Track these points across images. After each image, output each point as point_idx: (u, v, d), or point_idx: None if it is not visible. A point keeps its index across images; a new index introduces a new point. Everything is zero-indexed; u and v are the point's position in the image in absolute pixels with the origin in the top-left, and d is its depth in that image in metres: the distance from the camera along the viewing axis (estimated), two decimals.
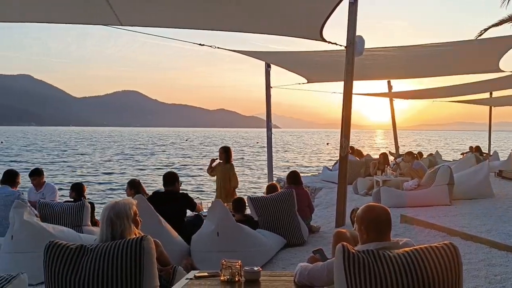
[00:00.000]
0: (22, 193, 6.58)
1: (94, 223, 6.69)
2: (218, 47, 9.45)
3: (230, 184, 8.12)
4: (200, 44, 8.98)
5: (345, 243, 2.47)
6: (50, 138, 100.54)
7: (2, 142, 74.69)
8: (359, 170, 12.74)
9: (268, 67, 11.59)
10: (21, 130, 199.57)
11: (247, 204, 6.18)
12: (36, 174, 7.55)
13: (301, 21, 6.87)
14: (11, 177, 6.55)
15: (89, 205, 6.48)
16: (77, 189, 6.99)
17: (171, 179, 5.91)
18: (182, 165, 35.91)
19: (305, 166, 34.94)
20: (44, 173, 7.79)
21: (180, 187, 6.09)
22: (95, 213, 6.90)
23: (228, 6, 6.24)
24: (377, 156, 13.68)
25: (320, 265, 2.79)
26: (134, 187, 6.62)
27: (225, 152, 8.32)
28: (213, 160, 8.43)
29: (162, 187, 6.08)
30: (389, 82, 16.59)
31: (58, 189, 8.31)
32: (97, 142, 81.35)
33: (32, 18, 6.62)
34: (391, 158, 14.79)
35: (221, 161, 8.30)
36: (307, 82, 12.90)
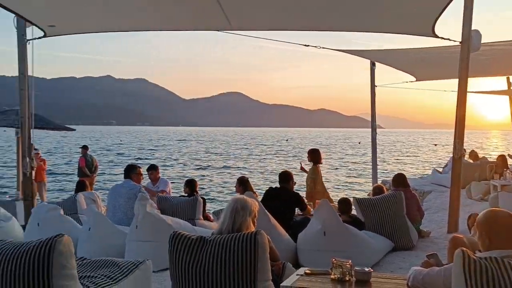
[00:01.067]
0: (142, 187, 7.20)
1: (205, 217, 7.11)
2: (323, 47, 9.47)
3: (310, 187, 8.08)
4: (305, 45, 9.07)
5: (464, 248, 2.37)
6: (166, 137, 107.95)
7: (121, 141, 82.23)
8: (473, 174, 11.86)
9: (373, 65, 11.32)
10: (138, 130, 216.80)
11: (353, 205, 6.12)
12: (153, 169, 8.24)
13: (413, 18, 6.61)
14: (132, 171, 7.17)
15: (202, 200, 6.91)
16: (191, 185, 7.50)
17: (285, 177, 6.08)
18: (285, 167, 36.40)
19: (411, 168, 33.36)
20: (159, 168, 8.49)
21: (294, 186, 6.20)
22: (206, 208, 7.34)
23: (337, 5, 6.23)
24: (494, 159, 12.64)
25: (436, 270, 2.70)
26: (243, 184, 6.94)
27: (309, 154, 8.26)
28: (302, 163, 8.53)
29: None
30: (508, 79, 15.21)
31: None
32: (206, 141, 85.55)
33: (151, 27, 7.22)
34: (510, 161, 13.54)
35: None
36: (416, 80, 12.34)
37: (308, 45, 9.10)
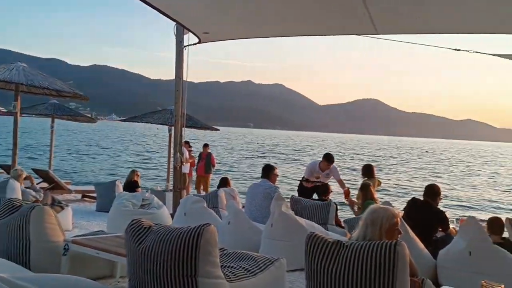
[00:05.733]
0: (278, 188, 7.38)
1: (337, 223, 7.05)
2: (477, 52, 8.67)
3: None
4: (455, 50, 8.41)
5: None
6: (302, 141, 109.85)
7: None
8: None
9: None
10: (273, 133, 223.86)
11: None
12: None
13: None
14: (269, 171, 7.36)
15: (335, 205, 6.87)
16: (324, 189, 7.51)
17: (433, 191, 5.70)
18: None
19: None
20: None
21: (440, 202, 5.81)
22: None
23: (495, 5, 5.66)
24: None
25: None
26: (363, 189, 6.82)
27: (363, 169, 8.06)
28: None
29: None
30: None
31: None
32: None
33: (296, 33, 7.36)
34: None
35: None
36: None
37: (459, 49, 8.41)
